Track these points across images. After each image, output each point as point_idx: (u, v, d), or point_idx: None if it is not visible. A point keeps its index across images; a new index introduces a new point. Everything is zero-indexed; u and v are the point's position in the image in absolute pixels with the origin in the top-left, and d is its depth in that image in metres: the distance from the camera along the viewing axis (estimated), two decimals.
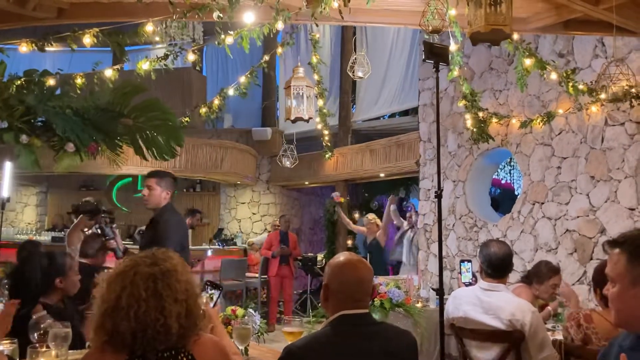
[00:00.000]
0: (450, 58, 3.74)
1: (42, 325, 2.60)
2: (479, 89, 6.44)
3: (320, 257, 10.15)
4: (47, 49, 4.28)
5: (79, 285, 3.24)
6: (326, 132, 9.32)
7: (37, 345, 2.41)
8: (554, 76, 4.77)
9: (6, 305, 2.03)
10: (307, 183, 11.55)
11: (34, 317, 2.82)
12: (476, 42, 2.96)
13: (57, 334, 2.44)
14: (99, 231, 4.24)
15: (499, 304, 3.16)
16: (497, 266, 3.23)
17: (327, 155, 9.95)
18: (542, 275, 4.09)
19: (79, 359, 2.48)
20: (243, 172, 11.02)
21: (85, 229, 5.79)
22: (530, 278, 4.16)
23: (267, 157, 11.91)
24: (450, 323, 3.39)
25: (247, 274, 9.19)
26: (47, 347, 2.43)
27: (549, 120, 5.73)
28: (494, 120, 6.17)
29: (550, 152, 5.99)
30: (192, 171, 10.28)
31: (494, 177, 8.23)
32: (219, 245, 10.15)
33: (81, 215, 5.87)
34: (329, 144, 9.86)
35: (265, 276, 8.85)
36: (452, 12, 3.41)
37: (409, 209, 15.10)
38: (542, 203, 6.04)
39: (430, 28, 3.29)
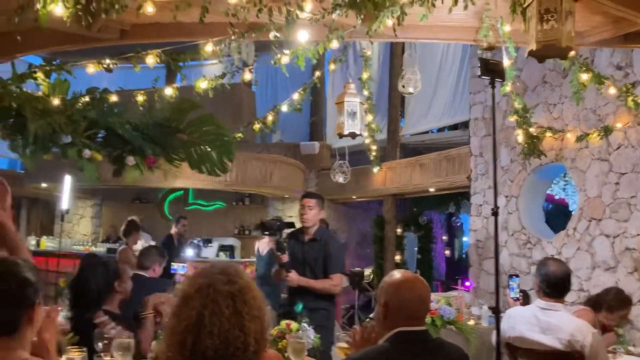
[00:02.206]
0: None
1: (106, 335, 2.71)
2: (532, 102, 6.34)
3: (367, 272, 10.10)
4: (106, 68, 4.48)
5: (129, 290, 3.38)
6: (374, 146, 9.32)
7: (102, 354, 2.51)
8: (612, 91, 4.65)
9: (48, 312, 2.10)
10: (354, 197, 11.55)
11: (96, 321, 2.95)
12: (541, 59, 2.93)
13: (121, 344, 2.54)
14: (276, 246, 4.32)
15: (557, 324, 3.09)
16: (556, 285, 3.17)
17: (375, 170, 9.93)
18: (613, 306, 3.98)
19: None
20: (291, 186, 11.12)
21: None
22: (600, 305, 4.03)
23: (315, 171, 11.98)
24: (505, 342, 3.33)
25: None
26: (112, 356, 2.52)
27: (607, 134, 5.58)
28: (548, 134, 6.05)
29: (608, 167, 5.82)
30: (242, 185, 10.44)
31: (547, 192, 8.04)
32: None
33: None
34: (376, 159, 9.83)
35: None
36: (507, 28, 3.38)
37: (459, 223, 14.93)
38: (600, 220, 5.86)
39: (485, 44, 3.28)
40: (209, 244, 10.06)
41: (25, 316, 1.79)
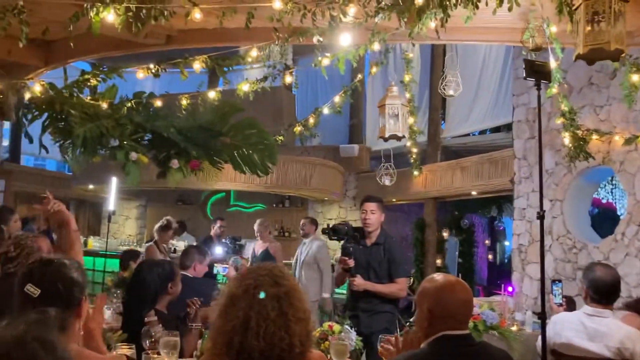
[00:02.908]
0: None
1: (153, 334, 2.78)
2: (577, 104, 6.19)
3: None
4: (154, 73, 4.60)
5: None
6: (415, 149, 9.26)
7: (149, 352, 2.58)
8: None
9: (98, 299, 2.20)
10: (394, 200, 11.49)
11: (146, 319, 3.04)
12: (590, 62, 2.87)
13: (168, 342, 2.60)
14: (344, 251, 4.27)
15: (606, 331, 3.01)
16: (604, 291, 3.09)
17: (415, 172, 9.86)
18: None
19: None
20: (330, 188, 11.14)
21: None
22: None
23: (354, 174, 11.97)
24: (550, 349, 3.26)
25: (336, 290, 9.25)
26: (159, 354, 2.59)
27: None
28: (595, 137, 5.89)
29: None
30: (282, 187, 10.53)
31: (594, 196, 7.84)
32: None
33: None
34: (417, 161, 9.77)
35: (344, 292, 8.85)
36: (553, 29, 3.32)
37: (501, 227, 14.67)
38: None
39: (531, 45, 3.23)
40: (238, 242, 10.18)
41: (73, 313, 1.88)
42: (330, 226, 4.31)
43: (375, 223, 4.33)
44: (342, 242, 4.31)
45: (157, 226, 7.44)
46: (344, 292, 9.22)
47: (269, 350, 1.70)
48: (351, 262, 4.14)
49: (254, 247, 7.43)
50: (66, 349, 0.70)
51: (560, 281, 4.53)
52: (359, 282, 4.16)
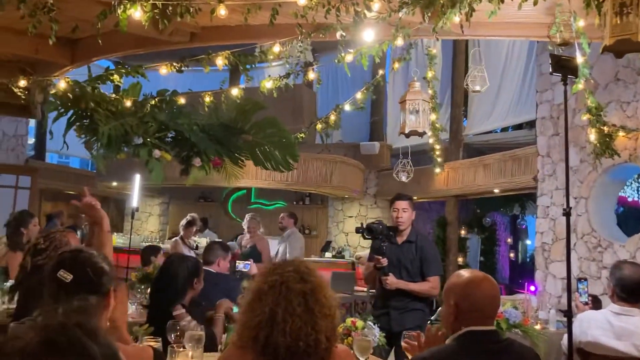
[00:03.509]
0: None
1: (178, 327, 2.81)
2: (603, 100, 6.09)
3: None
4: (178, 70, 4.63)
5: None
6: (437, 146, 9.19)
7: (175, 345, 2.60)
8: None
9: (120, 290, 2.21)
10: (415, 198, 11.41)
11: (174, 313, 3.07)
12: (618, 55, 2.82)
13: (193, 335, 2.62)
14: (377, 250, 4.28)
15: (634, 330, 2.97)
16: (631, 290, 3.04)
17: (437, 170, 9.80)
18: None
19: None
20: (351, 186, 11.13)
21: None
22: None
23: (375, 172, 11.94)
24: (576, 347, 3.22)
25: (356, 288, 9.24)
26: (184, 347, 2.61)
27: None
28: (621, 134, 5.80)
29: None
30: (303, 185, 10.54)
31: (620, 194, 7.72)
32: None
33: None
34: (439, 159, 9.70)
35: (374, 290, 8.83)
36: (581, 23, 3.27)
37: (524, 225, 14.52)
38: None
39: (559, 40, 3.18)
40: None
41: (101, 302, 1.91)
42: (365, 225, 4.25)
43: (407, 221, 4.31)
44: (373, 240, 4.27)
45: (182, 222, 7.51)
46: (364, 290, 9.25)
47: (295, 345, 1.71)
48: (384, 261, 4.11)
49: (241, 241, 7.42)
50: (107, 336, 0.71)
51: (586, 280, 4.48)
52: (392, 280, 4.14)
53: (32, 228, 5.13)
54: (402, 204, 4.30)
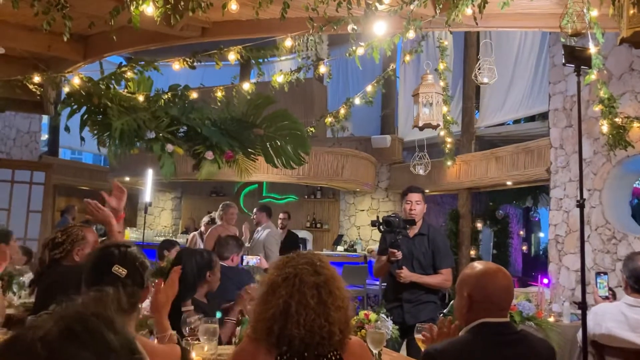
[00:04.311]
0: None
1: (189, 321, 2.83)
2: (617, 91, 6.04)
3: None
4: (190, 65, 4.65)
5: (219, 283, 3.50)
6: (449, 139, 9.15)
7: (189, 338, 2.63)
8: None
9: (172, 272, 2.34)
10: (427, 191, 11.36)
11: (183, 309, 3.08)
12: (636, 46, 2.79)
13: (208, 329, 2.65)
14: (392, 243, 4.21)
15: None
16: None
17: (448, 163, 9.77)
18: None
19: (227, 352, 2.68)
20: (362, 179, 11.12)
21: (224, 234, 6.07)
22: None
23: (386, 165, 11.92)
24: (591, 340, 3.21)
25: (368, 281, 9.27)
26: (198, 340, 2.64)
27: None
28: (636, 125, 5.74)
29: None
30: (314, 179, 10.55)
31: (634, 186, 7.64)
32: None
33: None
34: (450, 151, 9.67)
35: (385, 284, 8.83)
36: (594, 13, 3.24)
37: (537, 218, 14.43)
38: None
39: (571, 31, 3.15)
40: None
41: (141, 296, 1.96)
42: (382, 218, 4.20)
43: (420, 213, 4.30)
44: (387, 234, 4.24)
45: (204, 219, 7.55)
46: (377, 282, 9.25)
47: (309, 337, 1.72)
48: (399, 255, 4.09)
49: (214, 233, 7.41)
50: (124, 326, 0.73)
51: (605, 274, 4.39)
52: (406, 273, 4.13)
53: (12, 244, 5.03)
54: (415, 197, 4.29)
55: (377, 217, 4.31)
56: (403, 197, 4.39)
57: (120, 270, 1.92)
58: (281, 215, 8.45)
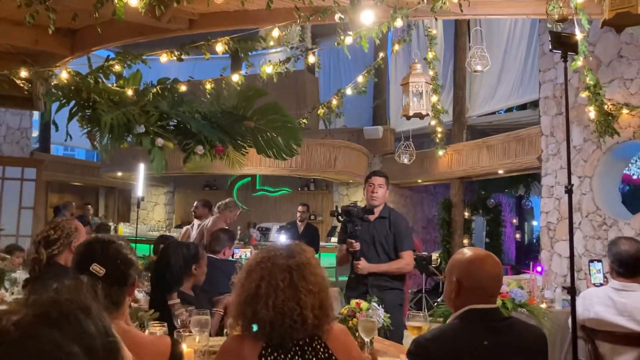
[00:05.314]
0: None
1: (177, 313, 2.84)
2: (606, 78, 6.06)
3: (435, 256, 10.02)
4: (178, 58, 4.63)
5: (205, 276, 3.50)
6: (439, 129, 9.17)
7: (181, 330, 2.63)
8: None
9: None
10: (419, 181, 11.44)
11: (169, 302, 3.08)
12: (618, 29, 2.80)
13: (199, 320, 2.65)
14: (351, 233, 4.13)
15: (635, 305, 2.97)
16: (629, 265, 3.04)
17: (440, 153, 9.79)
18: None
19: (219, 344, 2.69)
20: (355, 170, 11.13)
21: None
22: None
23: (379, 156, 11.93)
24: (580, 325, 3.23)
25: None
26: (190, 332, 2.64)
27: None
28: (625, 111, 5.77)
29: None
30: (307, 170, 10.55)
31: (624, 172, 7.69)
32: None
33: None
34: (441, 141, 9.68)
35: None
36: None
37: (529, 206, 14.50)
38: None
39: (556, 17, 3.16)
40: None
41: (127, 292, 1.95)
42: (341, 208, 4.15)
43: (382, 197, 4.24)
44: (346, 224, 4.16)
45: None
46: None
47: (279, 320, 1.72)
48: (357, 246, 4.03)
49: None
50: (101, 312, 0.73)
51: (599, 261, 4.38)
52: (364, 265, 4.05)
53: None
54: (378, 180, 4.24)
55: (336, 207, 4.29)
56: (366, 182, 4.36)
57: (97, 269, 1.90)
58: (300, 208, 8.36)
